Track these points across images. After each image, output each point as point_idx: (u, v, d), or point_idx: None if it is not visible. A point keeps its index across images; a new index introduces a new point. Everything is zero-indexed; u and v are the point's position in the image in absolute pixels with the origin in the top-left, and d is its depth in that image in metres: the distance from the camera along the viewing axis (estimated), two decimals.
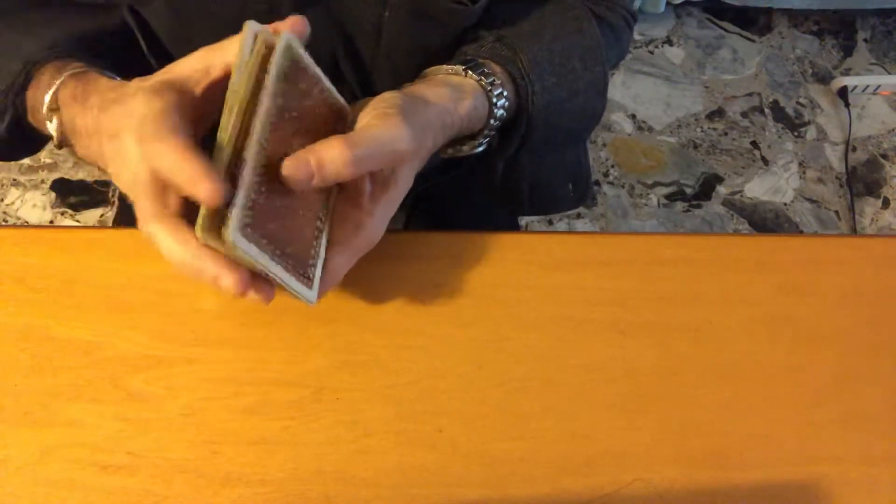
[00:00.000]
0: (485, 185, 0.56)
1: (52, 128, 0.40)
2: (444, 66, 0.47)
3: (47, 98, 0.40)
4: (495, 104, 0.46)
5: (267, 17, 0.47)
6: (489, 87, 0.45)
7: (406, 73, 0.53)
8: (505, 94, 0.46)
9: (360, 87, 0.54)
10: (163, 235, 0.35)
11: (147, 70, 0.43)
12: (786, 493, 0.40)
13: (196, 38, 0.48)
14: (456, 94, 0.44)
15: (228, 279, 0.34)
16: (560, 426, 0.41)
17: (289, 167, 0.35)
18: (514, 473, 0.39)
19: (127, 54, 0.49)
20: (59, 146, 0.41)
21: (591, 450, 0.40)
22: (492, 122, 0.46)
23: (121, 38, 0.50)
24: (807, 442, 0.41)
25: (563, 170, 0.55)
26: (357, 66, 0.52)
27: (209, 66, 0.39)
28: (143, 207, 0.35)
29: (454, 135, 0.45)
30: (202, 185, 0.32)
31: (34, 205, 1.37)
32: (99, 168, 0.40)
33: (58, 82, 0.40)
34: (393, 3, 0.46)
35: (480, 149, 0.48)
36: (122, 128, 0.36)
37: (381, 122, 0.37)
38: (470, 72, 0.46)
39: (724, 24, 1.71)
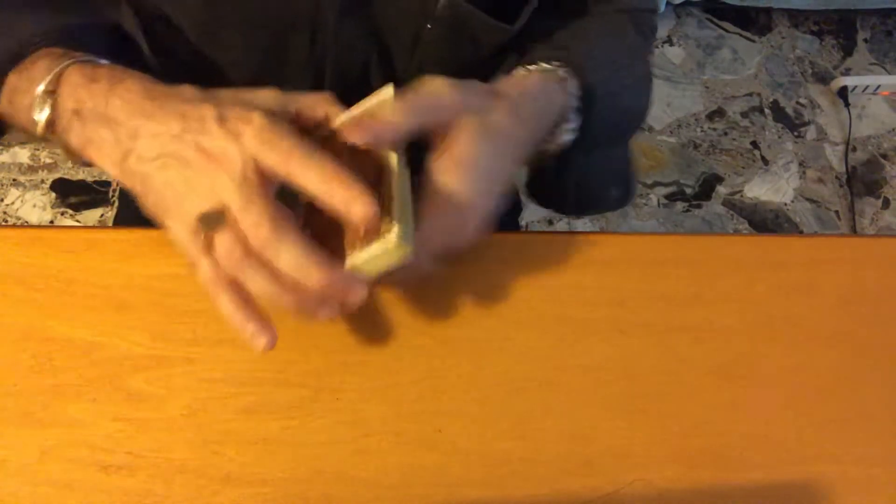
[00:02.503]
0: (533, 183, 0.56)
1: (40, 113, 0.38)
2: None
3: (46, 80, 0.38)
4: (570, 93, 0.47)
5: (309, 22, 0.47)
6: (560, 75, 0.47)
7: None
8: (570, 79, 0.47)
9: None
10: (291, 244, 0.34)
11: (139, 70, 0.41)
12: (786, 493, 0.40)
13: (224, 32, 0.48)
14: (523, 74, 0.46)
15: (358, 295, 0.35)
16: (560, 426, 0.41)
17: (348, 128, 0.38)
18: (514, 473, 0.39)
19: (118, 53, 0.48)
20: (42, 133, 0.39)
21: (591, 450, 0.40)
22: (571, 105, 0.47)
23: (112, 36, 0.49)
24: (807, 442, 0.41)
25: (609, 169, 0.55)
26: (387, 76, 0.52)
27: (285, 110, 0.39)
28: (261, 209, 0.34)
29: (544, 106, 0.45)
30: (360, 203, 0.34)
31: (34, 205, 1.37)
32: (83, 157, 0.39)
33: (63, 64, 0.39)
34: (437, 16, 0.47)
35: (568, 137, 0.48)
36: (205, 128, 0.36)
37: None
38: (532, 66, 0.47)
39: (724, 24, 1.71)
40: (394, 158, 0.39)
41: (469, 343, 0.43)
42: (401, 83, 0.53)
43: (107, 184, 1.40)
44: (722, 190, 1.48)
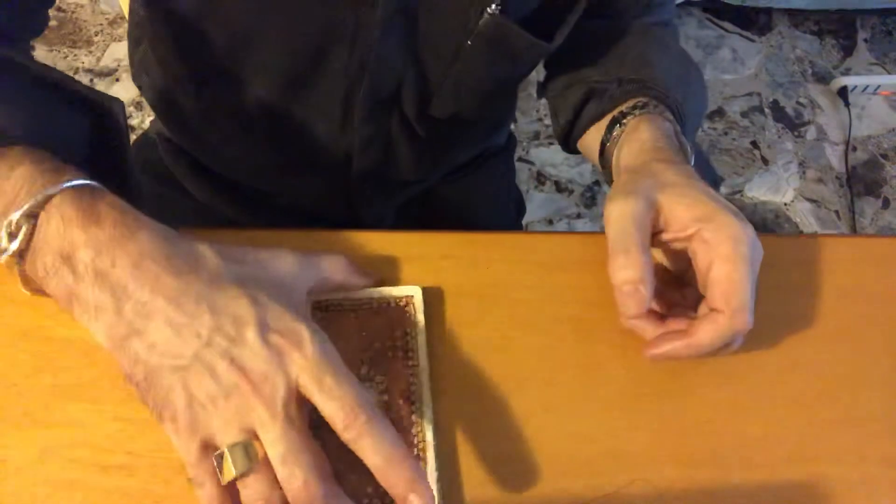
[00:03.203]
0: None
1: (10, 240, 0.32)
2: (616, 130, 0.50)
3: (29, 203, 0.32)
4: (669, 119, 0.49)
5: (351, 34, 0.47)
6: (656, 109, 0.49)
7: (467, 98, 0.54)
8: (661, 106, 0.49)
9: (417, 109, 0.54)
10: (306, 457, 0.31)
11: (104, 171, 0.35)
12: (786, 493, 0.40)
13: (262, 37, 0.48)
14: (636, 130, 0.47)
15: None
16: (560, 426, 0.41)
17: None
18: (514, 473, 0.39)
19: (96, 151, 0.41)
20: (2, 261, 0.33)
21: (591, 450, 0.40)
22: (679, 130, 0.49)
23: (91, 137, 0.42)
24: (807, 442, 0.41)
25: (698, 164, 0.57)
26: (421, 89, 0.52)
27: (305, 275, 0.37)
28: (308, 464, 0.30)
29: (676, 145, 0.47)
30: (418, 494, 0.31)
31: None
32: (60, 305, 0.33)
33: (54, 188, 0.32)
34: (478, 32, 0.47)
35: (693, 158, 0.49)
36: (242, 337, 0.31)
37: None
38: (640, 111, 0.49)
39: (724, 24, 1.71)
40: (426, 384, 0.40)
41: (469, 343, 0.43)
42: (432, 96, 0.53)
43: None
44: (722, 190, 1.48)
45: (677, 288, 0.43)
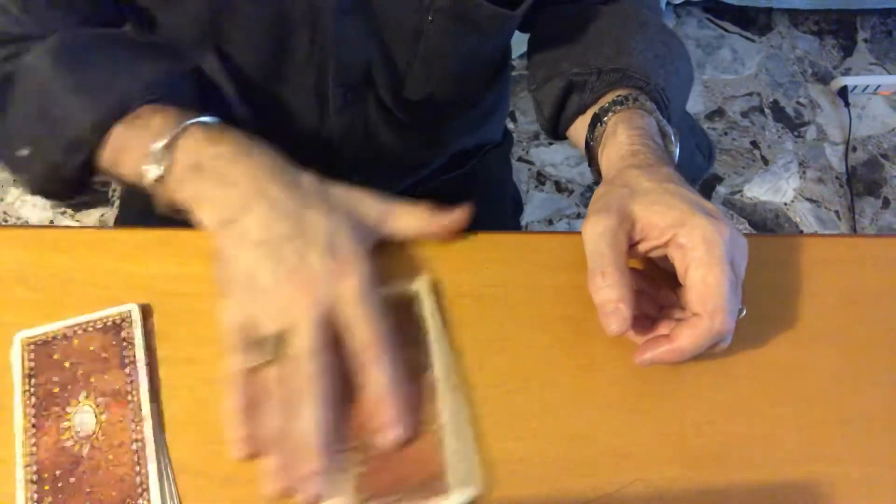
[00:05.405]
0: None
1: (158, 167, 0.40)
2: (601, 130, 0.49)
3: (168, 136, 0.40)
4: (652, 110, 0.48)
5: (308, 21, 0.47)
6: (636, 101, 0.48)
7: (440, 77, 0.53)
8: (641, 96, 0.49)
9: (392, 92, 0.54)
10: (314, 414, 0.35)
11: (222, 116, 0.43)
12: (786, 493, 0.40)
13: (227, 36, 0.48)
14: (616, 133, 0.46)
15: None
16: (560, 426, 0.41)
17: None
18: (514, 473, 0.39)
19: (202, 101, 0.48)
20: (149, 185, 0.40)
21: (591, 450, 0.40)
22: (662, 121, 0.48)
23: (198, 84, 0.50)
24: (807, 442, 0.41)
25: (688, 139, 0.56)
26: (391, 71, 0.52)
27: (381, 222, 0.43)
28: (319, 368, 0.36)
29: (656, 144, 0.46)
30: (389, 435, 0.37)
31: (34, 205, 1.37)
32: (183, 207, 0.40)
33: (186, 123, 0.40)
34: (437, 7, 0.47)
35: (677, 147, 0.49)
36: (313, 244, 0.38)
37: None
38: (620, 107, 0.48)
39: (724, 24, 1.71)
40: (441, 368, 0.41)
41: (469, 343, 0.43)
42: (404, 78, 0.53)
43: (107, 183, 1.40)
44: (722, 190, 1.48)
45: (671, 287, 0.43)
